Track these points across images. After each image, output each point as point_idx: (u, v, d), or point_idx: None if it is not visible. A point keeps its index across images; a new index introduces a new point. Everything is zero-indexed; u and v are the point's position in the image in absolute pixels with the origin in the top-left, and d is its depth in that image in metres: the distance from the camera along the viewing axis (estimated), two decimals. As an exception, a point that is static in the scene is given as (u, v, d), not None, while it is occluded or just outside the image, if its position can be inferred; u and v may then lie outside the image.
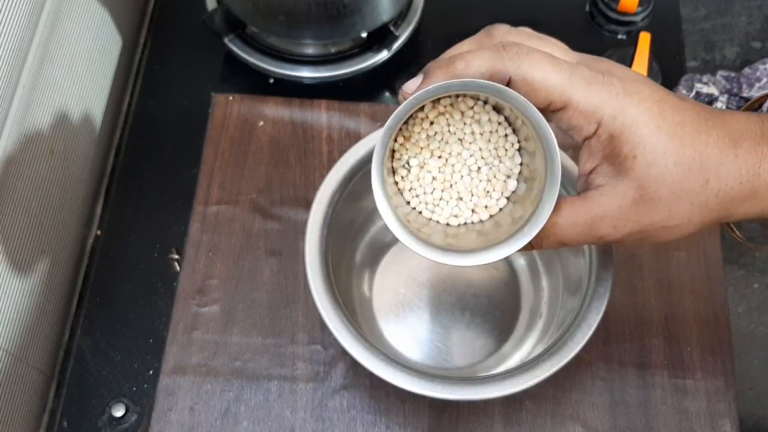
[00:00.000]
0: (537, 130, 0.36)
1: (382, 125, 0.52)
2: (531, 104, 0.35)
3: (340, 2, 0.62)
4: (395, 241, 0.58)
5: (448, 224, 0.40)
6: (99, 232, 0.66)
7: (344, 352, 0.46)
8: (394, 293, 0.55)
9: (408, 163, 0.40)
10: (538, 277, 0.56)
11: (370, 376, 0.45)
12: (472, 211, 0.40)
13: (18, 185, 0.57)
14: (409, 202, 0.40)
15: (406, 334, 0.54)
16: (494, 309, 0.55)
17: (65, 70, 0.63)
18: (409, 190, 0.40)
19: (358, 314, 0.54)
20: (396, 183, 0.40)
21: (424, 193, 0.40)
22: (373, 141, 0.52)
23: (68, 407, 0.57)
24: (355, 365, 0.46)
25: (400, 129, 0.39)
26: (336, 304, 0.47)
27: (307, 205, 0.50)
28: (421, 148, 0.39)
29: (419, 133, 0.39)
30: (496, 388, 0.45)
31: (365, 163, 0.52)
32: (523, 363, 0.46)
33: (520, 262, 0.57)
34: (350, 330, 0.46)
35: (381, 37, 0.70)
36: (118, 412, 0.56)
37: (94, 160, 0.69)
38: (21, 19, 0.54)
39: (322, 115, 0.62)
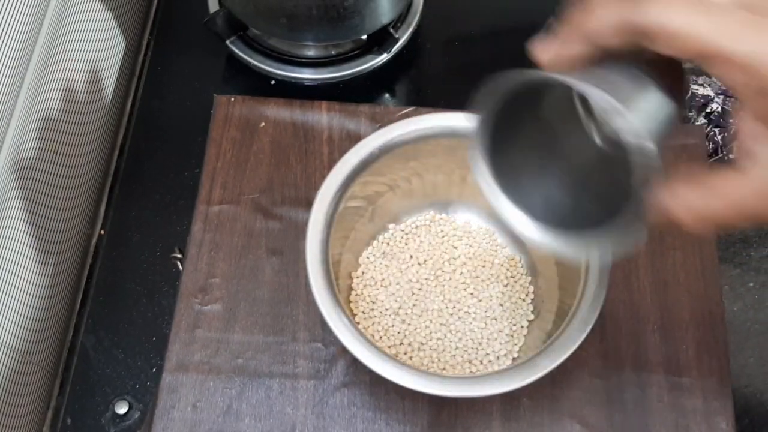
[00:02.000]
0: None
1: (382, 126, 0.53)
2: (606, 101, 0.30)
3: (340, 5, 0.63)
4: (394, 241, 0.58)
5: None
6: (102, 232, 0.67)
7: (344, 350, 0.47)
8: (393, 292, 0.56)
9: None
10: (535, 276, 0.57)
11: (370, 373, 0.45)
12: None
13: (22, 185, 0.57)
14: None
15: (405, 332, 0.55)
16: (492, 308, 0.55)
17: (69, 72, 0.64)
18: None
19: (357, 313, 0.55)
20: None
21: None
22: (373, 142, 0.52)
23: (72, 405, 0.58)
24: (355, 363, 0.47)
25: None
26: (336, 302, 0.47)
27: (308, 205, 0.51)
28: None
29: None
30: (494, 385, 0.46)
31: (366, 163, 0.52)
32: (521, 361, 0.47)
33: (518, 262, 0.57)
34: (350, 328, 0.47)
35: (381, 39, 0.70)
36: (122, 409, 0.57)
37: (97, 161, 0.70)
38: (25, 21, 0.55)
39: (323, 117, 0.62)
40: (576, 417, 0.52)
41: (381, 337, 0.54)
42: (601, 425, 0.52)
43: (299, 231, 0.57)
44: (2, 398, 0.55)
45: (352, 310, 0.55)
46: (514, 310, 0.55)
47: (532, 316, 0.55)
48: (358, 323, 0.54)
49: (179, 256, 0.61)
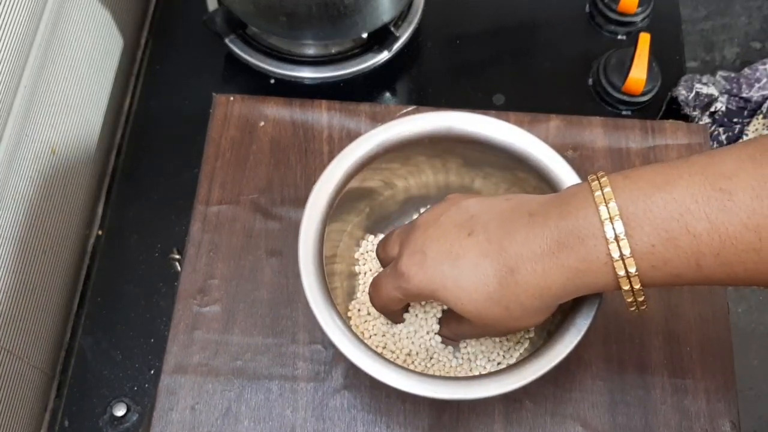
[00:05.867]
0: None
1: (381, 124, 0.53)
2: None
3: (340, 3, 0.63)
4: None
5: None
6: (100, 232, 0.66)
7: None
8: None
9: None
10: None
11: (370, 376, 0.45)
12: None
13: (20, 185, 0.57)
14: None
15: (401, 332, 0.54)
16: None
17: (67, 71, 0.63)
18: None
19: (353, 313, 0.55)
20: None
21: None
22: (372, 139, 0.52)
23: (69, 406, 0.57)
24: (355, 365, 0.47)
25: None
26: (330, 305, 0.47)
27: (309, 205, 0.50)
28: None
29: None
30: (489, 387, 0.45)
31: (364, 161, 0.51)
32: (519, 361, 0.47)
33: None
34: (345, 332, 0.46)
35: (381, 37, 0.70)
36: (120, 411, 0.56)
37: (95, 160, 0.69)
38: (23, 20, 0.55)
39: (323, 116, 0.62)
40: (579, 419, 0.52)
41: (371, 336, 0.53)
42: (604, 427, 0.52)
43: (299, 232, 0.57)
44: (-1, 400, 0.55)
45: (347, 309, 0.54)
46: None
47: None
48: (350, 320, 0.53)
49: (177, 256, 0.61)
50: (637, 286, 0.38)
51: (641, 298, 0.39)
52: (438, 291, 0.42)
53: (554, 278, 0.39)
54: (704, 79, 0.68)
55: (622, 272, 0.37)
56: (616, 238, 0.37)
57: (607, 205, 0.37)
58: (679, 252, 0.36)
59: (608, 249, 0.37)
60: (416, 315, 0.54)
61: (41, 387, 0.62)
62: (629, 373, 0.53)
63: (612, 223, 0.37)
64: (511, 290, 0.40)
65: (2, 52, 0.52)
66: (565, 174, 0.51)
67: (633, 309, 0.40)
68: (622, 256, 0.37)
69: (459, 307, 0.42)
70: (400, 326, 0.54)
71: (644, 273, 0.38)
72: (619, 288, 0.38)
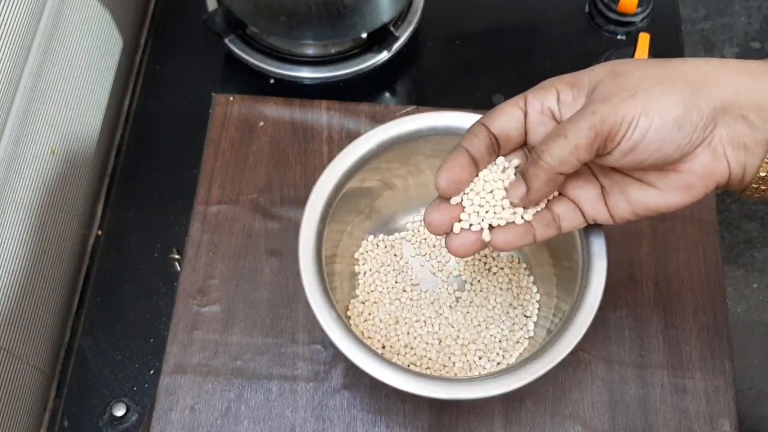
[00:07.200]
0: None
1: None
2: None
3: (340, 3, 0.63)
4: (390, 240, 0.58)
5: None
6: (100, 232, 0.66)
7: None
8: (391, 288, 0.55)
9: None
10: (535, 277, 0.56)
11: (370, 375, 0.45)
12: None
13: (19, 185, 0.57)
14: None
15: (402, 332, 0.54)
16: (493, 309, 0.55)
17: (66, 71, 0.63)
18: None
19: (353, 313, 0.55)
20: None
21: None
22: (372, 138, 0.52)
23: (69, 407, 0.57)
24: (354, 365, 0.47)
25: None
26: (332, 307, 0.47)
27: (308, 205, 0.50)
28: None
29: None
30: (489, 387, 0.45)
31: (365, 160, 0.51)
32: (519, 361, 0.47)
33: (519, 263, 0.57)
34: (345, 332, 0.46)
35: (381, 37, 0.70)
36: (119, 411, 0.56)
37: (94, 161, 0.69)
38: (22, 20, 0.55)
39: (323, 116, 0.62)
40: (578, 419, 0.52)
41: (374, 334, 0.53)
42: (604, 427, 0.52)
43: (298, 231, 0.57)
44: (-2, 401, 0.55)
45: (347, 309, 0.54)
46: (513, 310, 0.54)
47: (533, 317, 0.54)
48: (350, 320, 0.53)
49: (177, 256, 0.61)
50: None
51: None
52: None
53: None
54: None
55: None
56: None
57: None
58: None
59: None
60: (417, 314, 0.54)
61: (41, 387, 0.61)
62: (629, 373, 0.53)
63: None
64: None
65: (2, 52, 0.52)
66: None
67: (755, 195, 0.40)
68: None
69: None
70: (402, 324, 0.54)
71: None
72: None
